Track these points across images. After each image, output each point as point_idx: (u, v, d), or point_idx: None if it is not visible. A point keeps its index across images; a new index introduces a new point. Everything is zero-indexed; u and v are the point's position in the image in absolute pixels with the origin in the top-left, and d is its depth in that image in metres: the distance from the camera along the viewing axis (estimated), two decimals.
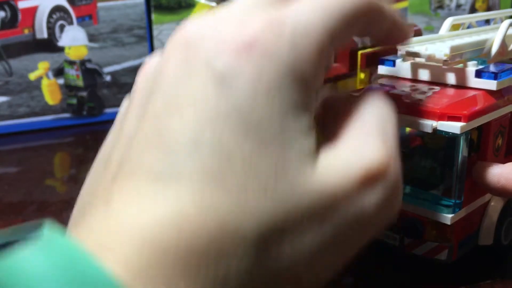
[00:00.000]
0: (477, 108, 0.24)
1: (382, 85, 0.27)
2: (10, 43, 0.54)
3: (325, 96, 0.21)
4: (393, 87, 0.26)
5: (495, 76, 0.25)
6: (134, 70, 0.58)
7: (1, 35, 0.54)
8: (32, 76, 0.56)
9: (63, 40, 0.56)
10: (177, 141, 0.16)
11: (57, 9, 0.55)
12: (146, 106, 0.18)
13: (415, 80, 0.27)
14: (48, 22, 0.55)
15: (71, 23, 0.56)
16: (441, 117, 0.24)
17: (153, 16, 0.58)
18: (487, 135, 0.26)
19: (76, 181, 0.44)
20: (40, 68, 0.56)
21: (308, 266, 0.17)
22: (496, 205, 0.28)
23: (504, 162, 0.26)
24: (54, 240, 0.14)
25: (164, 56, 0.18)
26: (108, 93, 0.58)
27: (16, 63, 0.55)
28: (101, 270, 0.13)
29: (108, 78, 0.58)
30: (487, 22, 0.53)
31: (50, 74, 0.56)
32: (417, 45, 0.27)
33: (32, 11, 0.55)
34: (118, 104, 0.58)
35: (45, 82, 0.56)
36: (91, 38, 0.57)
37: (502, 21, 0.29)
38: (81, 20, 0.56)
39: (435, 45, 0.26)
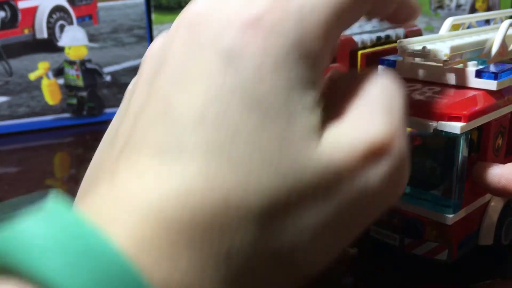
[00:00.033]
0: (477, 108, 0.24)
1: None
2: (10, 43, 0.54)
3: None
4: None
5: (495, 76, 0.25)
6: (134, 70, 0.58)
7: (1, 35, 0.54)
8: (32, 76, 0.56)
9: (63, 40, 0.56)
10: (183, 115, 0.16)
11: (57, 9, 0.55)
12: (152, 83, 0.18)
13: (415, 80, 0.27)
14: (48, 22, 0.55)
15: (71, 23, 0.56)
16: (441, 117, 0.24)
17: (153, 16, 0.58)
18: (487, 135, 0.26)
19: (76, 181, 0.44)
20: (40, 68, 0.56)
21: (311, 245, 0.17)
22: (496, 205, 0.28)
23: (504, 162, 0.26)
24: (57, 211, 0.14)
25: (170, 35, 0.18)
26: (108, 93, 0.58)
27: (16, 63, 0.55)
28: (105, 241, 0.13)
29: (108, 78, 0.58)
30: (487, 22, 0.53)
31: (50, 74, 0.56)
32: (417, 45, 0.27)
33: (32, 11, 0.55)
34: (118, 104, 0.58)
35: (45, 82, 0.56)
36: (91, 38, 0.57)
37: (502, 21, 0.29)
38: (81, 20, 0.56)
39: (435, 45, 0.26)
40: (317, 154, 0.16)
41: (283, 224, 0.16)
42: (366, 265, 0.28)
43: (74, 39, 0.56)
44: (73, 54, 0.57)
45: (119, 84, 0.58)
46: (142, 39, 0.58)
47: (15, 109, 0.56)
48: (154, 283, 0.14)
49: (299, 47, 0.17)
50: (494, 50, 0.28)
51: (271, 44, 0.16)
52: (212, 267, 0.15)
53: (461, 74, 0.26)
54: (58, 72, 0.56)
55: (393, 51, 0.27)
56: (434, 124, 0.24)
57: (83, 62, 0.57)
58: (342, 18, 0.18)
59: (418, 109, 0.24)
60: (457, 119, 0.24)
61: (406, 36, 0.35)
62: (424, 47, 0.26)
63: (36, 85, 0.56)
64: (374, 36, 0.34)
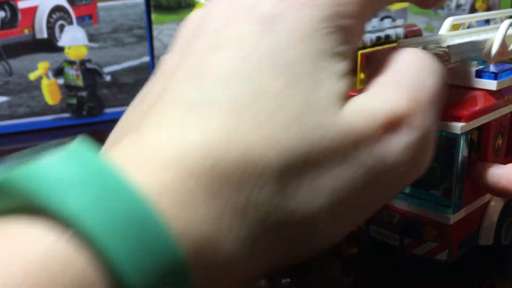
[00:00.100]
0: (477, 108, 0.24)
1: None
2: (10, 43, 0.54)
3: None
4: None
5: (495, 76, 0.25)
6: (134, 70, 0.58)
7: (1, 35, 0.54)
8: (32, 76, 0.56)
9: (63, 40, 0.56)
10: (214, 74, 0.17)
11: (57, 9, 0.55)
12: (188, 47, 0.19)
13: None
14: (48, 22, 0.55)
15: (71, 23, 0.56)
16: (441, 117, 0.24)
17: (153, 16, 0.58)
18: (487, 135, 0.26)
19: None
20: (40, 68, 0.56)
21: (324, 213, 0.17)
22: (496, 205, 0.28)
23: (504, 163, 0.26)
24: (83, 150, 0.14)
25: (209, 7, 0.19)
26: (108, 93, 0.58)
27: (16, 63, 0.55)
28: (128, 183, 0.14)
29: (108, 78, 0.58)
30: (487, 22, 0.53)
31: (50, 74, 0.56)
32: (417, 45, 0.27)
33: (32, 11, 0.55)
34: (118, 104, 0.58)
35: (45, 82, 0.56)
36: (91, 38, 0.57)
37: (502, 21, 0.29)
38: (81, 20, 0.56)
39: (435, 45, 0.26)
40: (338, 119, 0.17)
41: (299, 184, 0.16)
42: (366, 265, 0.28)
43: (74, 39, 0.56)
44: (73, 54, 0.57)
45: (119, 84, 0.58)
46: (142, 39, 0.58)
47: (15, 109, 0.56)
48: (173, 228, 0.14)
49: (332, 21, 0.18)
50: (494, 50, 0.28)
51: (306, 14, 0.17)
52: (228, 220, 0.15)
53: (461, 74, 0.26)
54: (58, 72, 0.56)
55: (393, 51, 0.27)
56: None
57: (83, 62, 0.57)
58: None
59: None
60: (457, 119, 0.24)
61: (406, 36, 0.35)
62: (424, 47, 0.26)
63: (36, 85, 0.56)
64: (374, 36, 0.34)
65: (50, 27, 0.55)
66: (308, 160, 0.16)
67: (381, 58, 0.20)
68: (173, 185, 0.15)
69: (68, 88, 0.57)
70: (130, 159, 0.15)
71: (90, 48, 0.57)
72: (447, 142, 0.25)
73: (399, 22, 0.63)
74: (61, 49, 0.56)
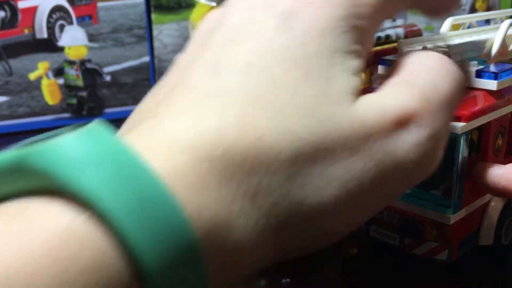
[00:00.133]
0: (477, 108, 0.24)
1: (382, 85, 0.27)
2: (10, 43, 0.54)
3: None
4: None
5: (495, 76, 0.25)
6: (134, 70, 0.58)
7: (1, 35, 0.54)
8: (32, 76, 0.56)
9: (63, 40, 0.56)
10: (230, 65, 0.17)
11: (57, 9, 0.55)
12: (206, 41, 0.19)
13: None
14: (48, 22, 0.55)
15: (71, 23, 0.56)
16: None
17: (153, 16, 0.58)
18: (487, 135, 0.26)
19: None
20: (40, 68, 0.56)
21: (332, 206, 0.17)
22: (496, 205, 0.28)
23: (504, 163, 0.26)
24: (99, 131, 0.14)
25: (228, 4, 0.20)
26: (108, 93, 0.58)
27: (16, 63, 0.55)
28: (144, 165, 0.14)
29: (108, 78, 0.58)
30: (487, 22, 0.53)
31: (50, 74, 0.56)
32: (417, 45, 0.27)
33: (32, 11, 0.55)
34: (118, 104, 0.58)
35: (45, 82, 0.56)
36: (91, 38, 0.57)
37: (502, 21, 0.29)
38: (81, 20, 0.56)
39: (435, 45, 0.26)
40: (350, 112, 0.17)
41: (310, 173, 0.17)
42: (366, 265, 0.28)
43: (74, 39, 0.56)
44: (73, 54, 0.57)
45: (119, 84, 0.58)
46: (142, 39, 0.58)
47: (15, 109, 0.56)
48: (187, 210, 0.14)
49: (347, 20, 0.18)
50: (494, 50, 0.28)
51: (323, 13, 0.18)
52: (240, 205, 0.16)
53: None
54: (58, 72, 0.56)
55: (393, 51, 0.27)
56: None
57: (83, 62, 0.57)
58: (389, 2, 0.20)
59: None
60: (457, 119, 0.24)
61: (406, 36, 0.35)
62: (424, 47, 0.26)
63: (36, 85, 0.56)
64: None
65: (50, 27, 0.55)
66: (320, 149, 0.17)
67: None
68: (187, 168, 0.15)
69: (68, 88, 0.57)
70: (145, 143, 0.16)
71: (90, 48, 0.57)
72: (447, 142, 0.25)
73: (399, 22, 0.63)
74: (61, 49, 0.56)
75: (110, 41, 0.58)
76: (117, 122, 0.21)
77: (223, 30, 0.19)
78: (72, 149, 0.14)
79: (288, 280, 0.24)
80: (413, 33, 0.35)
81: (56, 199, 0.14)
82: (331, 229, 0.18)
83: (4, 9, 0.54)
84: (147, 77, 0.58)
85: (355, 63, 0.18)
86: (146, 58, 0.58)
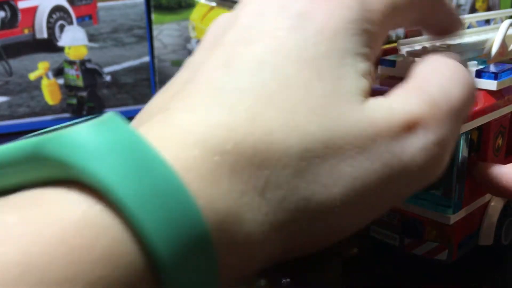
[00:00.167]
0: (477, 108, 0.24)
1: (381, 85, 0.27)
2: (10, 43, 0.54)
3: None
4: (393, 87, 0.26)
5: (495, 76, 0.25)
6: (134, 70, 0.58)
7: (1, 35, 0.54)
8: (32, 76, 0.56)
9: (63, 40, 0.56)
10: (242, 63, 0.18)
11: (57, 9, 0.55)
12: (218, 39, 0.19)
13: None
14: (48, 22, 0.55)
15: (71, 23, 0.56)
16: None
17: (153, 16, 0.58)
18: (487, 135, 0.26)
19: None
20: (40, 68, 0.56)
21: (338, 205, 0.17)
22: (496, 205, 0.28)
23: (504, 162, 0.26)
24: (114, 121, 0.14)
25: (241, 5, 0.20)
26: (108, 93, 0.58)
27: (16, 63, 0.55)
28: (158, 156, 0.14)
29: (108, 78, 0.58)
30: (487, 22, 0.53)
31: (50, 74, 0.56)
32: (417, 45, 0.27)
33: (32, 11, 0.55)
34: (118, 104, 0.58)
35: (45, 82, 0.56)
36: (91, 38, 0.57)
37: (502, 21, 0.29)
38: (81, 20, 0.56)
39: (435, 45, 0.26)
40: (359, 112, 0.18)
41: (319, 169, 0.17)
42: (366, 265, 0.28)
43: (74, 39, 0.56)
44: (73, 54, 0.57)
45: (119, 84, 0.58)
46: (142, 39, 0.58)
47: (15, 109, 0.56)
48: (199, 203, 0.14)
49: (358, 23, 0.19)
50: (494, 50, 0.28)
51: (335, 14, 0.18)
52: (250, 198, 0.16)
53: None
54: (58, 72, 0.56)
55: (393, 51, 0.27)
56: None
57: (83, 62, 0.57)
58: (397, 12, 0.20)
59: None
60: None
61: (406, 36, 0.35)
62: (424, 47, 0.26)
63: (36, 85, 0.56)
64: None
65: (50, 27, 0.55)
66: (329, 146, 0.17)
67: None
68: (198, 161, 0.15)
69: (68, 88, 0.57)
70: (157, 135, 0.16)
71: (90, 48, 0.57)
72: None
73: None
74: (61, 49, 0.56)
75: (110, 41, 0.58)
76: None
77: (236, 29, 0.19)
78: (88, 138, 0.14)
79: (288, 280, 0.24)
80: (413, 33, 0.35)
81: (72, 188, 0.14)
82: (337, 227, 0.18)
83: (4, 9, 0.54)
84: (147, 77, 0.58)
85: (364, 65, 0.19)
86: (146, 58, 0.58)
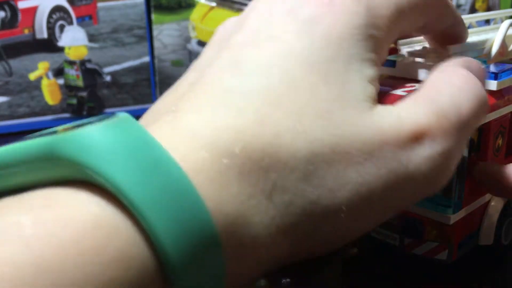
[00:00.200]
0: None
1: (381, 85, 0.27)
2: (10, 43, 0.54)
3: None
4: (393, 87, 0.26)
5: (495, 76, 0.25)
6: (134, 70, 0.58)
7: (1, 35, 0.54)
8: (32, 76, 0.56)
9: (63, 40, 0.56)
10: (251, 65, 0.18)
11: (57, 9, 0.55)
12: (226, 42, 0.20)
13: (415, 80, 0.27)
14: (48, 22, 0.55)
15: (71, 23, 0.56)
16: None
17: (153, 16, 0.58)
18: (487, 135, 0.26)
19: None
20: (40, 68, 0.56)
21: (346, 206, 0.17)
22: (496, 205, 0.28)
23: (504, 162, 0.26)
24: (126, 121, 0.15)
25: (248, 8, 0.20)
26: (108, 93, 0.58)
27: (16, 63, 0.55)
28: (169, 157, 0.14)
29: (108, 78, 0.58)
30: (487, 22, 0.53)
31: (50, 74, 0.56)
32: (417, 45, 0.27)
33: (32, 11, 0.55)
34: (118, 104, 0.58)
35: (45, 82, 0.56)
36: (91, 38, 0.57)
37: (502, 21, 0.29)
38: (81, 20, 0.56)
39: (435, 45, 0.26)
40: (366, 118, 0.18)
41: (325, 174, 0.17)
42: (366, 265, 0.28)
43: (74, 39, 0.56)
44: (73, 54, 0.57)
45: (119, 84, 0.58)
46: (142, 39, 0.58)
47: (15, 109, 0.56)
48: (208, 205, 0.14)
49: (365, 29, 0.19)
50: (494, 50, 0.28)
51: (342, 19, 0.19)
52: (257, 201, 0.16)
53: None
54: (58, 72, 0.56)
55: (393, 51, 0.27)
56: None
57: (83, 62, 0.57)
58: (403, 18, 0.20)
59: None
60: None
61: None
62: (424, 47, 0.26)
63: (36, 85, 0.56)
64: None
65: (50, 27, 0.55)
66: (336, 151, 0.17)
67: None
68: (207, 164, 0.15)
69: (68, 88, 0.57)
70: (166, 137, 0.16)
71: (90, 48, 0.57)
72: None
73: None
74: (61, 49, 0.56)
75: (110, 41, 0.58)
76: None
77: (244, 32, 0.19)
78: (100, 139, 0.14)
79: (288, 280, 0.24)
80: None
81: (83, 189, 0.14)
82: (342, 231, 0.18)
83: (4, 9, 0.54)
84: (147, 77, 0.58)
85: (371, 71, 0.19)
86: (146, 58, 0.58)
